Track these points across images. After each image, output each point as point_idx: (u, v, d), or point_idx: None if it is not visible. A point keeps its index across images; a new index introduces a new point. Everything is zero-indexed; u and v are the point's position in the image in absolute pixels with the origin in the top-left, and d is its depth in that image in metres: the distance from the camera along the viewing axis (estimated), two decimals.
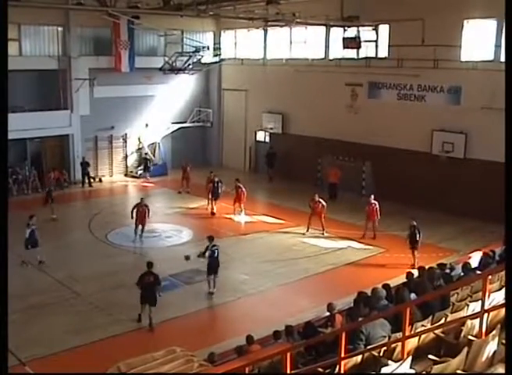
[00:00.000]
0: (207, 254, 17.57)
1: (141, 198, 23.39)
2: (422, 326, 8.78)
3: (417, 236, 19.88)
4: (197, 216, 26.58)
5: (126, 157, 34.95)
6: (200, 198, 28.34)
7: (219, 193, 26.64)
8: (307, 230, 23.68)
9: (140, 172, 34.26)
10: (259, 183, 32.48)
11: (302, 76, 31.47)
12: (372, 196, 23.20)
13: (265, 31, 33.72)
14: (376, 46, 28.80)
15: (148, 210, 22.86)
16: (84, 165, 31.84)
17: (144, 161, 34.27)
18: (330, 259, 20.75)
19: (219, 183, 26.64)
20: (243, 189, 25.80)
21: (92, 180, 32.28)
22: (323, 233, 23.44)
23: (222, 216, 26.34)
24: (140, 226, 22.60)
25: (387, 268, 19.59)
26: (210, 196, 26.89)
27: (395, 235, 23.09)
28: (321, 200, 23.68)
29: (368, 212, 22.97)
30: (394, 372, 6.65)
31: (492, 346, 6.55)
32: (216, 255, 17.67)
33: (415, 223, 20.07)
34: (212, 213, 26.53)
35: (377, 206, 22.76)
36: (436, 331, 7.92)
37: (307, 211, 24.33)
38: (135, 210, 22.66)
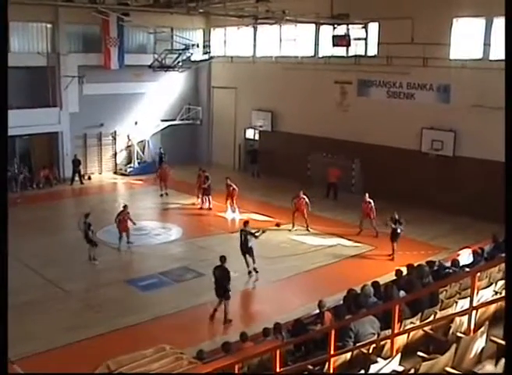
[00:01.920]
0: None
1: (124, 206, 22.07)
2: (411, 323, 8.82)
3: (398, 229, 20.37)
4: (186, 213, 26.56)
5: (115, 155, 34.86)
6: (188, 196, 28.35)
7: (207, 188, 26.93)
8: (293, 227, 23.75)
9: (129, 170, 34.26)
10: (248, 180, 32.49)
11: (291, 74, 31.46)
12: (367, 194, 23.23)
13: (255, 29, 33.65)
14: (366, 44, 28.80)
15: (130, 218, 21.75)
16: (76, 162, 31.75)
17: (159, 155, 34.33)
18: (320, 257, 20.77)
19: (206, 179, 26.97)
20: (235, 187, 25.85)
21: (82, 178, 32.20)
22: (308, 230, 23.54)
23: (212, 213, 26.34)
24: (124, 234, 21.50)
25: (377, 265, 19.63)
26: (198, 191, 27.34)
27: (384, 232, 23.14)
28: (304, 197, 23.77)
29: (363, 210, 23.10)
30: (383, 369, 6.67)
31: (480, 343, 6.59)
32: (243, 239, 18.68)
33: (397, 217, 20.45)
34: (209, 208, 26.73)
35: (372, 204, 22.83)
36: (425, 328, 7.95)
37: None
38: (118, 218, 21.55)
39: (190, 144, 37.50)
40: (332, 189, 28.64)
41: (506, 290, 5.55)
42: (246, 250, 18.75)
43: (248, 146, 34.81)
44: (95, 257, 19.70)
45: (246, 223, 19.37)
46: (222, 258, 16.02)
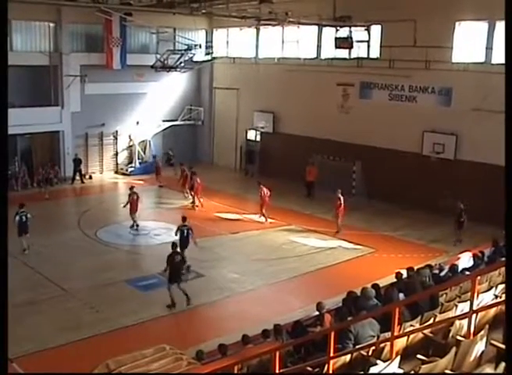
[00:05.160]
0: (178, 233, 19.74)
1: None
2: (411, 326, 8.81)
3: (462, 218, 21.74)
4: (186, 213, 26.45)
5: (116, 154, 34.88)
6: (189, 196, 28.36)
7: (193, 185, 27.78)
8: (266, 220, 24.80)
9: (130, 169, 34.29)
10: (250, 181, 32.47)
11: (294, 76, 31.48)
12: (339, 190, 23.70)
13: (258, 30, 33.70)
14: (368, 46, 28.84)
15: None
16: (77, 161, 31.78)
17: (167, 156, 34.76)
18: (320, 259, 20.75)
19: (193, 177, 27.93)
20: (199, 181, 26.98)
21: (83, 177, 32.22)
22: (260, 220, 24.66)
23: (211, 213, 26.30)
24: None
25: (377, 268, 19.59)
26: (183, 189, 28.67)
27: (384, 235, 23.16)
28: (263, 187, 25.05)
29: (336, 206, 23.59)
30: (382, 371, 6.66)
31: (480, 346, 6.58)
32: (186, 234, 19.57)
33: (462, 206, 21.85)
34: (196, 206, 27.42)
35: (341, 201, 23.37)
36: (425, 331, 7.94)
37: (298, 210, 24.45)
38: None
39: (191, 144, 37.54)
40: (310, 188, 29.24)
41: (507, 294, 5.55)
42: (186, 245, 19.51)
43: (246, 147, 34.88)
44: (27, 247, 20.18)
45: (184, 218, 20.31)
46: (174, 246, 17.09)
